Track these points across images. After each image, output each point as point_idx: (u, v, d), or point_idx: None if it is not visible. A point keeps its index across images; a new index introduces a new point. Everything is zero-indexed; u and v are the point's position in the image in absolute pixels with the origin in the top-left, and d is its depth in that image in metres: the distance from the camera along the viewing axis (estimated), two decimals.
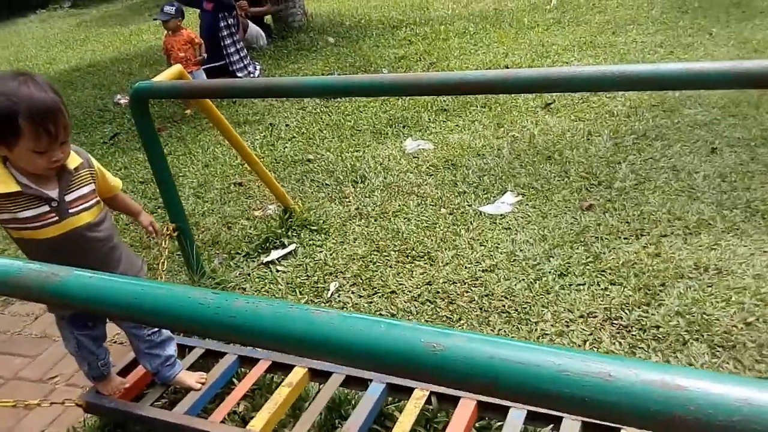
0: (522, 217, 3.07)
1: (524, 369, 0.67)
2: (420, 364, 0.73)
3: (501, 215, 3.12)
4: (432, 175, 3.69)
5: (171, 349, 2.02)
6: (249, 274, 2.92)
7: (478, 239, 2.94)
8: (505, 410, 1.72)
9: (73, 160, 1.69)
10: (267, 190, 3.76)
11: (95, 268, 1.77)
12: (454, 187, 3.49)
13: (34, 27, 15.12)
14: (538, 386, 0.67)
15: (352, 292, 2.70)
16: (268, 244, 3.12)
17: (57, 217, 1.64)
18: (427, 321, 2.43)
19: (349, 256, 2.95)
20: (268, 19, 8.03)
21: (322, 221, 3.28)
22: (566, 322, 2.33)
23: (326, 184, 3.79)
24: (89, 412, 2.06)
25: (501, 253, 2.79)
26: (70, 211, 1.66)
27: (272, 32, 7.76)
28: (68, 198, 1.66)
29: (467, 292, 2.58)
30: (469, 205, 3.26)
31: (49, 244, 1.64)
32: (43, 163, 1.57)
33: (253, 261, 3.03)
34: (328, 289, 2.72)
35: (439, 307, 2.51)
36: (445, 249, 2.89)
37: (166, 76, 2.48)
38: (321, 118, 4.95)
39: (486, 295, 2.54)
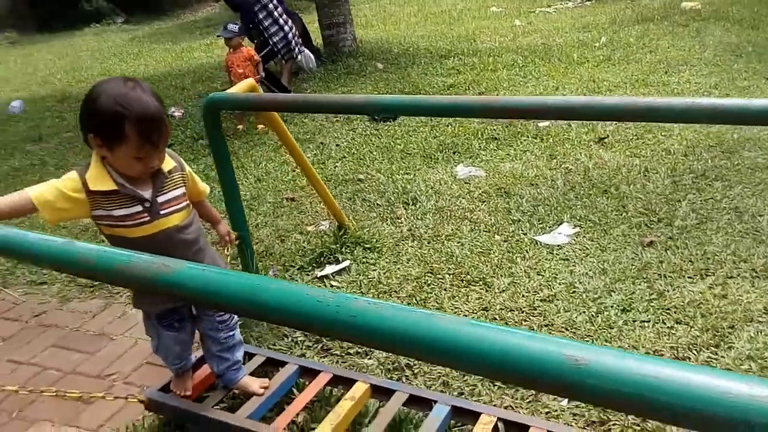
0: (580, 249, 3.03)
1: (681, 389, 0.65)
2: (560, 378, 0.71)
3: (558, 246, 3.08)
4: (484, 201, 3.68)
5: (239, 354, 2.03)
6: None
7: (534, 268, 2.90)
8: None
9: (167, 163, 1.73)
10: (319, 206, 3.80)
11: None
12: (507, 214, 3.47)
13: (88, 40, 15.67)
14: (697, 408, 0.63)
15: None
16: (322, 259, 3.13)
17: (149, 217, 1.68)
18: None
19: (403, 277, 2.94)
20: (318, 42, 8.19)
21: (375, 240, 3.28)
22: None
23: (378, 204, 3.80)
24: (150, 409, 2.07)
25: (560, 284, 2.75)
26: (161, 212, 1.70)
27: (322, 55, 7.90)
28: (160, 199, 1.70)
29: (525, 321, 2.54)
30: (524, 234, 3.23)
31: (138, 242, 1.66)
32: (140, 168, 1.62)
33: (307, 274, 3.04)
34: None
35: None
36: (501, 276, 2.87)
37: (239, 89, 2.53)
38: (371, 140, 4.99)
39: (546, 326, 2.50)
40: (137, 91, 1.55)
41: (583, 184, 3.77)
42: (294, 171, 4.44)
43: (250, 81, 2.65)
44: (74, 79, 9.02)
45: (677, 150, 4.12)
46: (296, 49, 6.81)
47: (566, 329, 2.46)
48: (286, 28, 6.57)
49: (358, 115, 5.61)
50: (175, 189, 1.75)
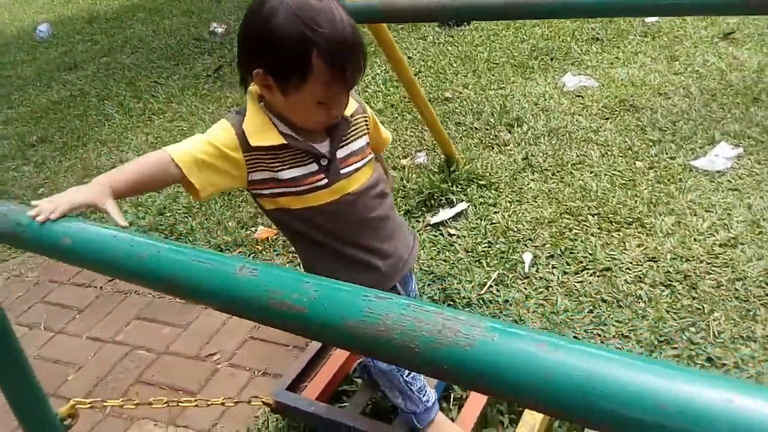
0: (748, 176, 2.48)
1: None
2: None
3: (719, 172, 2.53)
4: (608, 118, 3.09)
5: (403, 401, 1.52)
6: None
7: (699, 203, 2.38)
8: None
9: (349, 105, 1.23)
10: (408, 132, 3.28)
11: (366, 248, 1.27)
12: (643, 134, 2.89)
13: None
14: None
15: (553, 266, 2.21)
16: (432, 201, 2.65)
17: (326, 179, 1.20)
18: (668, 311, 1.93)
19: (535, 220, 2.45)
20: None
21: (488, 174, 2.77)
22: None
23: (475, 128, 3.25)
24: (276, 412, 1.69)
25: (738, 223, 2.24)
26: (342, 171, 1.22)
27: None
28: (341, 154, 1.22)
29: (709, 273, 2.06)
30: (671, 158, 2.67)
31: (312, 215, 1.22)
32: (320, 118, 1.15)
33: (418, 221, 2.58)
34: (522, 261, 2.25)
35: (679, 293, 2.00)
36: (660, 214, 2.35)
37: None
38: (447, 49, 4.34)
39: (738, 279, 2.01)
40: (328, 4, 1.07)
41: (723, 91, 3.14)
42: (367, 89, 3.87)
43: None
44: None
45: None
46: None
47: (767, 283, 1.97)
48: None
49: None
50: (359, 138, 1.26)
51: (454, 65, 4.09)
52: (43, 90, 4.96)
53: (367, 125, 1.30)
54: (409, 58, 4.36)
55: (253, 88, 1.18)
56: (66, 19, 7.08)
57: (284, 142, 1.15)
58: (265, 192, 1.20)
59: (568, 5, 1.73)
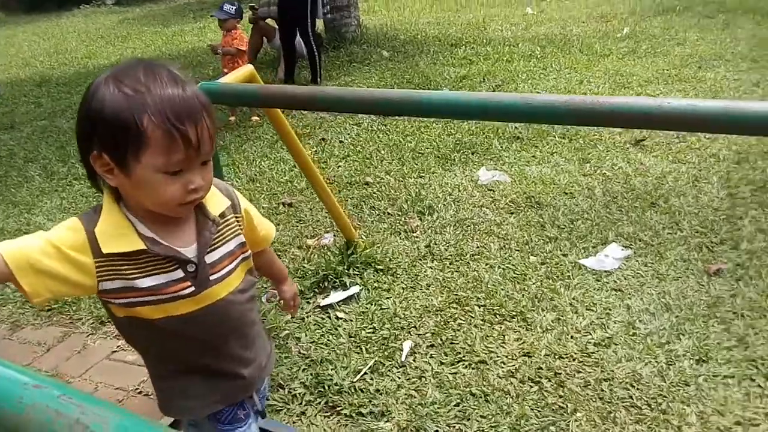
0: (633, 277, 2.54)
1: None
2: None
3: (606, 272, 2.59)
4: (513, 213, 3.18)
5: None
6: (303, 319, 2.43)
7: (582, 301, 2.42)
8: None
9: (217, 203, 1.12)
10: (321, 214, 3.30)
11: (231, 357, 1.17)
12: (542, 230, 2.97)
13: (76, 21, 15.03)
14: None
15: (431, 356, 2.19)
16: (326, 283, 2.63)
17: (193, 287, 1.07)
18: (532, 408, 1.91)
19: (423, 308, 2.45)
20: (320, 27, 7.64)
21: (388, 259, 2.79)
22: (719, 429, 1.79)
23: (388, 213, 3.30)
24: None
25: (615, 323, 2.27)
26: (211, 277, 1.09)
27: (323, 42, 7.36)
28: (210, 259, 1.09)
29: (579, 372, 2.06)
30: (564, 255, 2.74)
31: (173, 325, 1.08)
32: (177, 193, 0.99)
33: (308, 302, 2.54)
34: (401, 350, 2.22)
35: (546, 390, 1.98)
36: (543, 310, 2.38)
37: (235, 78, 2.01)
38: (378, 137, 4.48)
39: (605, 380, 2.01)
40: (157, 72, 0.97)
41: (625, 194, 3.28)
42: (292, 170, 3.93)
43: (249, 68, 2.13)
44: (56, 62, 8.43)
45: (727, 156, 3.63)
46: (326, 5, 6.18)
47: (631, 385, 1.97)
48: None
49: None
50: (230, 240, 1.14)
51: (382, 152, 4.20)
52: None
53: (239, 225, 1.18)
54: (340, 141, 4.49)
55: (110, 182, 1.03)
56: (18, 81, 7.13)
57: (143, 247, 1.02)
58: (118, 302, 1.05)
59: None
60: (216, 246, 1.11)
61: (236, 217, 1.17)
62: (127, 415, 0.52)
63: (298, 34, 5.92)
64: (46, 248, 0.97)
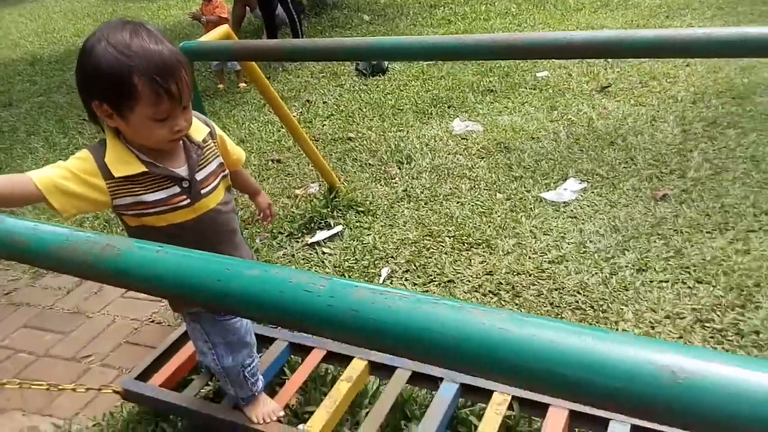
0: (588, 206, 2.82)
1: None
2: (656, 397, 0.48)
3: (564, 203, 2.88)
4: (483, 158, 3.45)
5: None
6: (293, 255, 2.72)
7: (541, 228, 2.70)
8: (604, 423, 1.50)
9: (199, 131, 1.40)
10: (307, 168, 3.56)
11: (221, 254, 1.50)
12: (509, 171, 3.25)
13: (61, 1, 14.98)
14: None
15: (406, 279, 2.48)
16: (312, 225, 2.91)
17: (188, 200, 1.36)
18: None
19: (400, 241, 2.74)
20: None
21: (368, 202, 3.06)
22: (651, 323, 2.09)
23: (369, 164, 3.57)
24: (128, 399, 1.88)
25: (569, 244, 2.56)
26: (202, 191, 1.39)
27: (305, 9, 7.51)
28: (199, 176, 1.38)
29: (534, 284, 2.36)
30: (527, 191, 3.02)
31: (175, 230, 1.36)
32: (165, 134, 1.27)
33: (297, 241, 2.83)
34: (380, 275, 2.51)
35: (504, 300, 2.28)
36: (505, 237, 2.67)
37: (212, 37, 2.26)
38: (360, 96, 4.72)
39: (556, 289, 2.31)
40: (141, 33, 1.20)
41: (587, 136, 3.54)
42: (279, 131, 4.18)
43: (225, 27, 2.37)
44: (46, 42, 8.55)
45: (685, 97, 3.88)
46: None
47: (578, 292, 2.27)
48: None
49: (345, 71, 5.33)
50: (212, 161, 1.43)
51: (364, 110, 4.44)
52: None
53: (217, 148, 1.46)
54: (324, 102, 4.72)
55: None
56: (10, 61, 7.29)
57: (145, 169, 1.29)
58: (130, 213, 1.34)
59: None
60: (203, 166, 1.41)
61: (214, 142, 1.47)
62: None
63: (278, 4, 6.10)
64: (66, 174, 1.25)
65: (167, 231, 1.36)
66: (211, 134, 1.47)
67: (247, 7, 6.98)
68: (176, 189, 1.35)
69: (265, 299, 0.71)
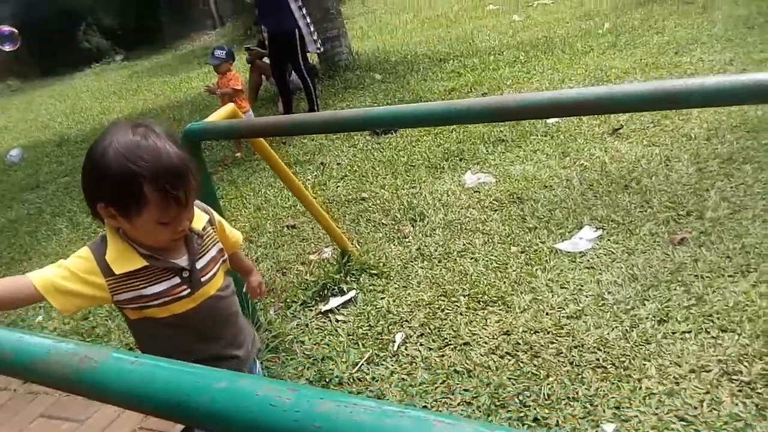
0: (605, 255, 2.76)
1: None
2: None
3: (580, 253, 2.82)
4: (496, 210, 3.43)
5: None
6: (307, 325, 2.70)
7: (557, 281, 2.64)
8: None
9: (199, 219, 1.41)
10: (321, 232, 3.57)
11: (226, 341, 1.49)
12: (522, 222, 3.21)
13: (89, 80, 15.73)
14: None
15: (421, 344, 2.43)
16: (326, 291, 2.90)
17: (189, 290, 1.37)
18: (509, 378, 2.14)
19: (414, 303, 2.70)
20: (314, 59, 8.01)
21: (381, 264, 3.05)
22: (675, 378, 2.00)
23: (383, 224, 3.57)
24: None
25: (586, 297, 2.49)
26: (202, 279, 1.39)
27: (318, 72, 7.72)
28: (199, 265, 1.39)
29: (552, 342, 2.29)
30: (542, 242, 2.97)
31: (177, 320, 1.38)
32: (167, 236, 1.30)
33: (311, 310, 2.82)
34: (394, 341, 2.47)
35: (522, 362, 2.21)
36: (521, 293, 2.61)
37: (218, 116, 2.33)
38: (373, 155, 4.77)
39: (575, 347, 2.23)
40: (150, 138, 1.22)
41: (601, 181, 3.50)
42: (295, 196, 4.22)
43: (230, 106, 2.45)
44: (73, 122, 8.95)
45: (698, 134, 3.83)
46: (318, 41, 6.11)
47: (599, 349, 2.19)
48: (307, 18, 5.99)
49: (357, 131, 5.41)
50: (212, 248, 1.44)
51: (377, 169, 4.48)
52: (4, 210, 5.31)
53: (216, 234, 1.49)
54: (338, 164, 4.78)
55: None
56: (39, 143, 7.62)
57: (146, 263, 1.30)
58: (131, 307, 1.34)
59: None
60: (202, 254, 1.42)
61: (213, 228, 1.48)
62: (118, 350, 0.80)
63: (292, 71, 6.28)
64: (65, 274, 1.27)
65: (169, 321, 1.37)
66: (210, 221, 1.49)
67: (262, 76, 7.23)
68: (177, 279, 1.36)
69: (232, 415, 0.70)
